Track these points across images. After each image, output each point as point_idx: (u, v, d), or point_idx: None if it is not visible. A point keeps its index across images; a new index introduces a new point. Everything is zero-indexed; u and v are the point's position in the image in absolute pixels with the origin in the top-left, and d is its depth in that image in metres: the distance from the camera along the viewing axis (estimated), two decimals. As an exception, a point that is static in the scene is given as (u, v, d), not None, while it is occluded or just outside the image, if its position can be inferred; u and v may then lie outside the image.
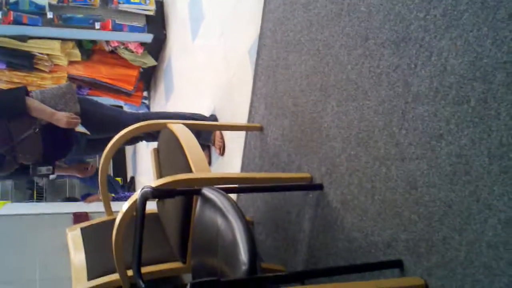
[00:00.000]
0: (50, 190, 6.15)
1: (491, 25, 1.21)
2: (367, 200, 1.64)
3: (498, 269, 1.18)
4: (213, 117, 3.06)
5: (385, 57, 1.57)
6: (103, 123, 2.84)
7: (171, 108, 4.22)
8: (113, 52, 4.55)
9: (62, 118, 2.59)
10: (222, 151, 2.95)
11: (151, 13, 4.42)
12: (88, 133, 2.73)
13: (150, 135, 3.02)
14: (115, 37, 4.35)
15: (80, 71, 4.45)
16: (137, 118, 2.89)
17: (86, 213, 2.68)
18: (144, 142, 3.29)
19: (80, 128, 2.68)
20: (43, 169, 2.67)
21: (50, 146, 2.66)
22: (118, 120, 2.85)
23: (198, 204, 1.55)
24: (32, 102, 2.59)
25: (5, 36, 4.05)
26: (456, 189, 1.30)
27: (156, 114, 3.16)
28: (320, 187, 1.90)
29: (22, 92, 2.63)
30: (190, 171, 1.83)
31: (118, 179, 5.54)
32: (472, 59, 1.26)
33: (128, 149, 5.99)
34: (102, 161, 2.25)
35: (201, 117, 3.01)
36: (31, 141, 2.59)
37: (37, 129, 2.58)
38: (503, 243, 1.16)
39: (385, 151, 1.56)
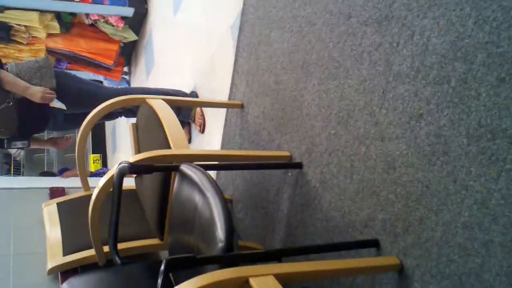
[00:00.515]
0: (27, 165, 6.07)
1: (473, 5, 1.20)
2: (346, 180, 1.64)
3: (473, 249, 1.18)
4: (194, 94, 3.02)
5: (367, 35, 1.56)
6: (81, 98, 2.79)
7: (151, 84, 4.17)
8: (93, 25, 4.46)
9: (36, 93, 2.52)
10: (202, 129, 2.93)
11: (133, -14, 4.34)
12: (65, 107, 2.67)
13: (129, 111, 2.99)
14: (95, 10, 4.26)
15: (59, 44, 4.36)
16: (117, 93, 2.84)
17: (63, 188, 2.64)
18: (123, 118, 3.24)
19: (56, 103, 2.62)
20: (18, 143, 2.63)
21: (26, 120, 2.60)
22: (97, 94, 2.81)
23: (176, 181, 1.54)
24: (6, 75, 2.52)
25: (-20, 6, 3.95)
26: (434, 170, 1.30)
27: (136, 89, 3.11)
28: (299, 165, 1.90)
29: None
30: (169, 147, 1.81)
31: (97, 155, 5.48)
32: (454, 38, 1.25)
33: (108, 125, 5.93)
34: (79, 136, 2.21)
35: (182, 94, 2.98)
36: (6, 115, 2.53)
37: (11, 103, 2.52)
38: (478, 223, 1.17)
39: (365, 130, 1.56)
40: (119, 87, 3.69)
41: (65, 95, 2.67)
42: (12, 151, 5.90)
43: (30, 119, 2.63)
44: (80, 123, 2.28)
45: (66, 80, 2.75)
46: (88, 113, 2.23)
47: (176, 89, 3.05)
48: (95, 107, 2.22)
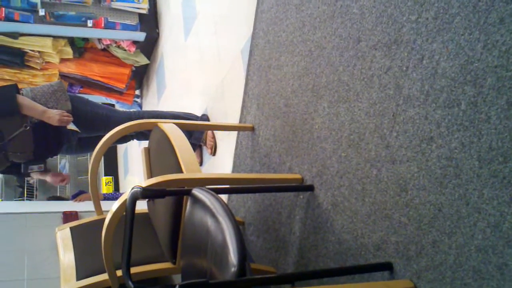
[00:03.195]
0: (41, 188, 6.11)
1: (482, 29, 1.21)
2: (358, 202, 1.64)
3: (487, 273, 1.18)
4: (205, 117, 3.05)
5: (376, 59, 1.57)
6: (94, 121, 2.82)
7: (163, 107, 4.21)
8: (105, 50, 4.53)
9: (53, 115, 2.58)
10: (213, 151, 2.95)
11: (144, 11, 4.40)
12: (79, 130, 2.71)
13: (141, 134, 3.01)
14: (107, 35, 4.33)
15: (71, 68, 4.43)
16: (129, 116, 2.88)
17: (76, 212, 2.66)
18: (135, 141, 3.27)
19: (72, 126, 2.67)
20: (35, 167, 2.67)
21: (41, 144, 2.64)
22: (109, 118, 2.84)
23: (188, 205, 1.55)
24: (23, 100, 2.57)
25: (-4, 33, 4.03)
26: (446, 192, 1.30)
27: (148, 112, 3.15)
28: (310, 188, 1.90)
29: (13, 89, 2.60)
30: (180, 171, 1.82)
31: (109, 178, 5.51)
32: (463, 62, 1.26)
33: (120, 148, 5.97)
34: (93, 160, 2.24)
35: (194, 117, 3.00)
36: (22, 139, 2.57)
37: (28, 127, 2.57)
38: (492, 247, 1.17)
39: (376, 153, 1.56)
40: (131, 110, 3.72)
41: (78, 118, 2.71)
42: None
43: (45, 143, 2.67)
44: (93, 146, 2.31)
45: (79, 104, 2.79)
46: (101, 136, 2.27)
47: (188, 112, 3.07)
48: (108, 131, 2.25)
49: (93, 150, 2.29)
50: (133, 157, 5.13)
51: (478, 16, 1.22)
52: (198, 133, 2.98)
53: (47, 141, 2.69)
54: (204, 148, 3.08)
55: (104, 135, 2.29)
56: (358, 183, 1.64)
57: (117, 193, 3.54)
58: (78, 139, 2.84)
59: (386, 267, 1.49)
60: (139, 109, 4.94)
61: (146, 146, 2.33)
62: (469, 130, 1.24)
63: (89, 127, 2.81)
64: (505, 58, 1.15)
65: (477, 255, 1.21)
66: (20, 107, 2.54)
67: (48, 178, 3.02)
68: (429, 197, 1.35)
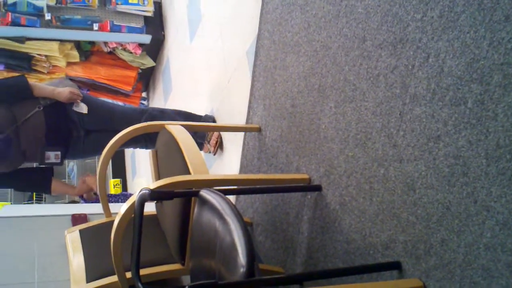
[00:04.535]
0: (49, 191, 6.13)
1: (488, 27, 1.21)
2: (365, 202, 1.64)
3: (496, 271, 1.18)
4: (207, 117, 3.06)
5: (382, 58, 1.57)
6: (101, 107, 2.94)
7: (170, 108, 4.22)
8: (111, 53, 4.55)
9: (63, 91, 2.73)
10: (215, 150, 2.96)
11: (150, 14, 4.41)
12: (86, 112, 2.80)
13: (150, 141, 2.99)
14: (113, 38, 4.34)
15: (78, 72, 4.45)
16: (134, 109, 2.99)
17: (85, 214, 2.68)
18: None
19: (79, 109, 2.79)
20: (52, 155, 2.70)
21: (53, 128, 2.72)
22: (115, 107, 3.02)
23: (196, 206, 1.55)
24: (34, 83, 2.75)
25: (3, 38, 4.05)
26: (454, 191, 1.30)
27: (153, 108, 3.21)
28: (318, 188, 1.90)
29: (23, 76, 2.79)
30: (188, 172, 1.83)
31: (117, 180, 5.53)
32: (469, 60, 1.26)
33: (128, 150, 5.99)
34: (101, 162, 2.25)
35: (197, 117, 3.04)
36: (34, 122, 2.66)
37: (41, 107, 2.68)
38: (501, 245, 1.16)
39: (383, 152, 1.56)
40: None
41: (86, 103, 2.83)
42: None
43: (56, 127, 2.74)
44: (100, 145, 2.39)
45: (88, 96, 2.95)
46: (108, 134, 2.33)
47: (190, 111, 3.13)
48: (114, 121, 2.45)
49: (100, 149, 2.33)
50: (140, 159, 5.15)
51: (483, 14, 1.22)
52: (201, 137, 3.01)
53: (58, 125, 2.76)
54: (207, 145, 3.08)
55: (111, 131, 2.49)
56: (365, 182, 1.64)
57: (125, 193, 3.55)
58: (86, 132, 2.86)
59: (395, 266, 1.49)
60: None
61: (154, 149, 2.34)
62: (476, 128, 1.23)
63: (95, 113, 2.88)
64: (511, 56, 1.15)
65: (486, 253, 1.20)
66: (32, 88, 2.68)
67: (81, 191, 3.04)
68: (437, 196, 1.35)
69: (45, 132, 2.69)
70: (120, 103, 4.96)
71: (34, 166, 2.92)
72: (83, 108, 2.81)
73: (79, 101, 2.79)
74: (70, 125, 2.81)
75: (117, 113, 2.93)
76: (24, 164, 2.78)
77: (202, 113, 3.14)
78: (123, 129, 2.30)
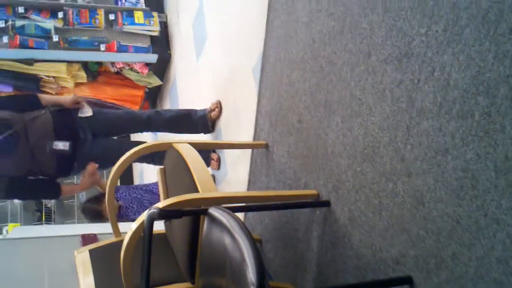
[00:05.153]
0: (58, 211, 6.16)
1: (492, 40, 1.21)
2: (375, 216, 1.63)
3: (509, 284, 1.16)
4: (202, 112, 3.16)
5: (388, 73, 1.58)
6: (107, 112, 3.10)
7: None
8: (118, 73, 4.58)
9: (68, 96, 2.94)
10: (218, 165, 3.05)
11: (156, 33, 4.46)
12: (91, 114, 2.91)
13: (156, 157, 3.02)
14: (120, 58, 4.39)
15: (86, 92, 4.48)
16: (141, 112, 3.18)
17: (95, 234, 2.68)
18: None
19: (86, 111, 2.90)
20: (60, 144, 2.73)
21: (60, 126, 2.82)
22: (119, 111, 3.17)
23: (205, 224, 1.55)
24: (41, 95, 2.96)
25: (11, 60, 4.10)
26: (463, 204, 1.29)
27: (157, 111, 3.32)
28: (327, 203, 1.90)
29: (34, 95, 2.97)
30: (196, 190, 1.83)
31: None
32: (474, 73, 1.26)
33: (136, 169, 6.01)
34: (109, 183, 2.26)
35: (194, 112, 3.19)
36: (42, 119, 2.78)
37: (48, 112, 2.82)
38: (513, 257, 1.15)
39: (391, 166, 1.56)
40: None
41: (100, 115, 2.99)
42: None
43: (63, 125, 2.85)
44: (110, 152, 2.64)
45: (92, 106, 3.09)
46: (116, 141, 2.62)
47: (188, 108, 3.27)
48: (120, 120, 2.81)
49: (109, 154, 2.61)
50: (149, 177, 5.16)
51: (487, 27, 1.22)
52: (201, 112, 3.14)
53: (65, 125, 2.86)
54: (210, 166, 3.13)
55: (117, 133, 2.95)
56: (374, 197, 1.64)
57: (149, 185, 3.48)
58: (93, 137, 2.90)
59: (406, 281, 1.48)
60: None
61: (162, 167, 2.35)
62: (484, 140, 1.23)
63: (100, 115, 2.99)
64: (517, 68, 1.15)
65: (498, 267, 1.19)
66: (41, 99, 2.88)
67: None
68: (446, 209, 1.34)
69: (53, 128, 2.79)
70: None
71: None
72: (88, 112, 2.92)
73: (84, 105, 2.92)
74: (77, 128, 2.90)
75: (124, 112, 3.14)
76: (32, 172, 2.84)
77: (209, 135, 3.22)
78: (129, 129, 2.66)
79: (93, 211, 3.14)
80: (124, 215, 3.20)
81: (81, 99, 2.94)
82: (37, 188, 2.90)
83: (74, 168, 2.93)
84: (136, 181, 5.98)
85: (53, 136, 2.78)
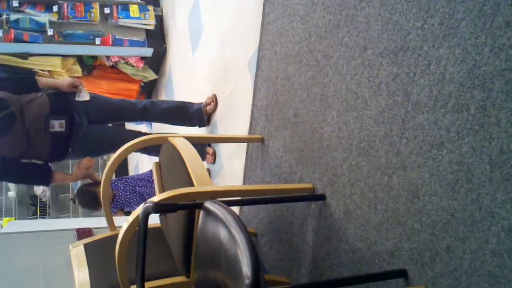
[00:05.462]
0: (53, 205, 6.14)
1: (488, 33, 1.21)
2: (370, 210, 1.63)
3: (503, 277, 1.17)
4: (198, 106, 3.17)
5: (384, 66, 1.58)
6: (103, 100, 3.09)
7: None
8: (113, 67, 4.57)
9: (65, 80, 2.94)
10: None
11: (151, 27, 4.44)
12: (88, 98, 2.91)
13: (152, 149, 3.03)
14: (115, 52, 4.37)
15: (81, 86, 4.46)
16: (138, 103, 3.16)
17: (90, 229, 2.68)
18: (146, 155, 3.32)
19: (83, 95, 2.90)
20: (56, 124, 2.72)
21: (56, 107, 2.81)
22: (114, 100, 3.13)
23: (200, 218, 1.55)
24: (38, 77, 2.94)
25: (6, 54, 4.07)
26: (458, 197, 1.29)
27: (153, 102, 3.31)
28: (322, 197, 1.90)
29: (30, 71, 3.07)
30: (191, 184, 1.82)
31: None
32: (470, 67, 1.26)
33: (131, 161, 6.00)
34: (104, 177, 2.25)
35: (190, 105, 3.20)
36: (39, 101, 2.76)
37: (44, 94, 2.80)
38: (507, 250, 1.16)
39: (386, 160, 1.56)
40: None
41: (92, 98, 2.98)
42: (38, 192, 6.00)
43: (60, 106, 2.83)
44: (104, 139, 2.71)
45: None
46: (113, 128, 2.68)
47: (184, 101, 3.27)
48: (115, 109, 2.80)
49: (104, 141, 2.69)
50: (144, 170, 5.15)
51: (483, 20, 1.22)
52: (197, 106, 3.15)
53: (61, 106, 2.85)
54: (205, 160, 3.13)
55: (112, 121, 2.95)
56: (369, 190, 1.64)
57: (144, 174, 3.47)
58: (89, 122, 2.90)
59: (401, 274, 1.49)
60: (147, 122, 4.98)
61: (157, 160, 2.34)
62: (479, 134, 1.23)
63: (96, 101, 3.00)
64: (512, 61, 1.15)
65: (492, 260, 1.20)
66: (38, 83, 2.86)
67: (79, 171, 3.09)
68: (441, 203, 1.35)
69: (49, 111, 2.77)
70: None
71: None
72: (85, 96, 2.92)
73: (81, 89, 2.91)
74: (73, 112, 2.88)
75: (117, 101, 3.12)
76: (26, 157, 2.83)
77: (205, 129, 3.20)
78: (124, 117, 2.77)
79: (89, 193, 3.11)
80: (118, 204, 3.19)
81: (78, 83, 2.93)
82: (29, 172, 2.88)
83: (68, 153, 2.91)
84: (132, 173, 5.97)
85: (48, 114, 2.79)
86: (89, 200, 3.15)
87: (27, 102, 2.72)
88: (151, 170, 3.28)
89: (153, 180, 2.86)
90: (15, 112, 2.65)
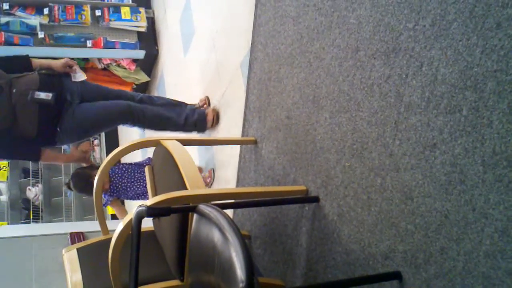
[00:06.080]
0: (46, 209, 6.11)
1: (480, 34, 1.21)
2: (364, 212, 1.63)
3: (497, 278, 1.17)
4: (191, 106, 3.10)
5: (376, 68, 1.58)
6: (102, 87, 3.05)
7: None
8: (105, 69, 4.55)
9: (59, 61, 2.84)
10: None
11: (143, 29, 4.43)
12: (85, 78, 2.87)
13: (137, 121, 2.98)
14: (107, 54, 4.35)
15: (73, 89, 4.44)
16: (132, 94, 3.09)
17: (82, 233, 2.66)
18: (139, 155, 3.29)
19: (79, 76, 2.84)
20: (42, 94, 2.66)
21: (46, 83, 2.73)
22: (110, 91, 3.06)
23: (194, 221, 1.54)
24: (33, 58, 2.87)
25: (-4, 57, 4.05)
26: (451, 199, 1.29)
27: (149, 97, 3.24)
28: (316, 199, 1.90)
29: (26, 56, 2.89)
30: (185, 187, 1.82)
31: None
32: (462, 68, 1.26)
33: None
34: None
35: (184, 104, 3.12)
36: (29, 77, 2.71)
37: (36, 73, 2.75)
38: (501, 252, 1.16)
39: (380, 162, 1.56)
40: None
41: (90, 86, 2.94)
42: (31, 195, 5.96)
43: (50, 83, 2.76)
44: (93, 113, 2.70)
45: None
46: (102, 107, 2.67)
47: (179, 100, 3.20)
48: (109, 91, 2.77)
49: (91, 118, 2.67)
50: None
51: (475, 21, 1.22)
52: (201, 111, 3.06)
53: (52, 84, 2.77)
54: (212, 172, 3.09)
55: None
56: (363, 192, 1.64)
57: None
58: (80, 101, 2.84)
59: (395, 276, 1.48)
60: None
61: (150, 165, 2.33)
62: (472, 135, 1.23)
63: (92, 85, 2.98)
64: (504, 62, 1.15)
65: (486, 261, 1.20)
66: (32, 62, 2.82)
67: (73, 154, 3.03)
68: (435, 204, 1.35)
69: (38, 87, 2.68)
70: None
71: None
72: (81, 76, 2.86)
73: (76, 69, 2.85)
74: (64, 91, 2.79)
75: (113, 89, 3.08)
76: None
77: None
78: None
79: (85, 176, 2.98)
80: (114, 192, 3.11)
81: (73, 62, 2.87)
82: (17, 145, 2.73)
83: (57, 134, 2.76)
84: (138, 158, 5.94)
85: (38, 87, 2.71)
86: (84, 183, 2.99)
87: (16, 78, 2.67)
88: (148, 158, 3.25)
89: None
90: (3, 86, 2.59)
